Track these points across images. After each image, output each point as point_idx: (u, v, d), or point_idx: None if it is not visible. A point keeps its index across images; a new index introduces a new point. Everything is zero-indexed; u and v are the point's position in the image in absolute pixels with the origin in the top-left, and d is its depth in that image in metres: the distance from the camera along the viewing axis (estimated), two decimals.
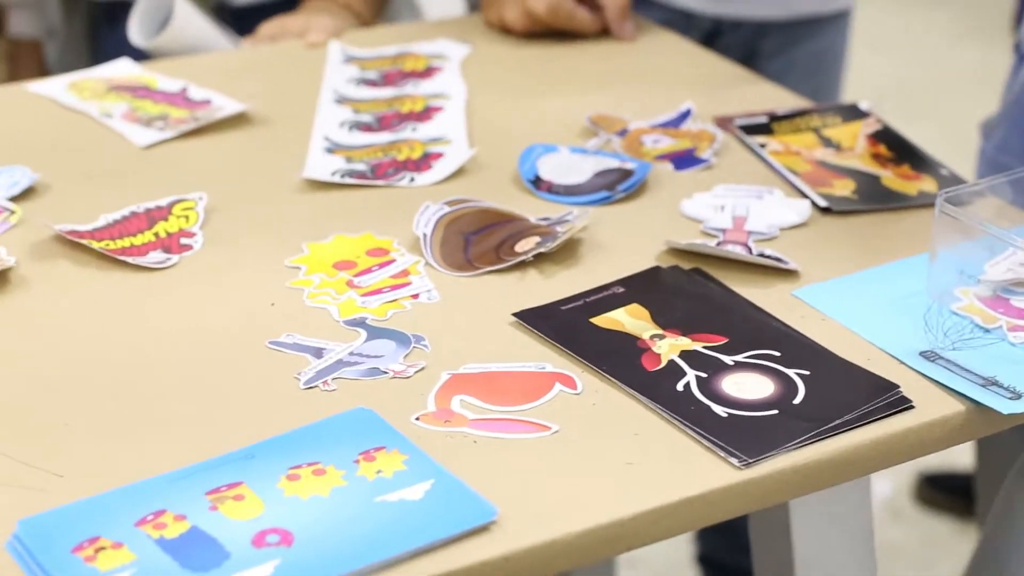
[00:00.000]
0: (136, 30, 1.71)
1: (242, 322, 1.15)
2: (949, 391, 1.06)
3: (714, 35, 1.89)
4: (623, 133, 1.45)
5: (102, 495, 0.95)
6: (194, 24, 1.71)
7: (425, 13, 2.14)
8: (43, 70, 2.12)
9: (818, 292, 1.17)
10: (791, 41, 1.90)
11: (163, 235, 1.28)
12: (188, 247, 1.26)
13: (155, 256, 1.24)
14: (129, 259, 1.23)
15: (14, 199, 1.35)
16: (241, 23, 2.02)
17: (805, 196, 1.33)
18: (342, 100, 1.54)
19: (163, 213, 1.31)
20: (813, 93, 1.86)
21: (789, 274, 1.20)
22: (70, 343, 1.12)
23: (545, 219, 1.28)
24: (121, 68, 1.64)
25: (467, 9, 2.00)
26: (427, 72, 1.61)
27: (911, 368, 1.08)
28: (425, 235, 1.25)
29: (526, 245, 1.23)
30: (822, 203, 1.31)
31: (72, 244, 1.25)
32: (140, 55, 1.73)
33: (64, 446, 1.00)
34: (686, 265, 1.21)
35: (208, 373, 1.08)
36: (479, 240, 1.25)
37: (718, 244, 1.24)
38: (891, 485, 2.58)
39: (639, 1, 1.84)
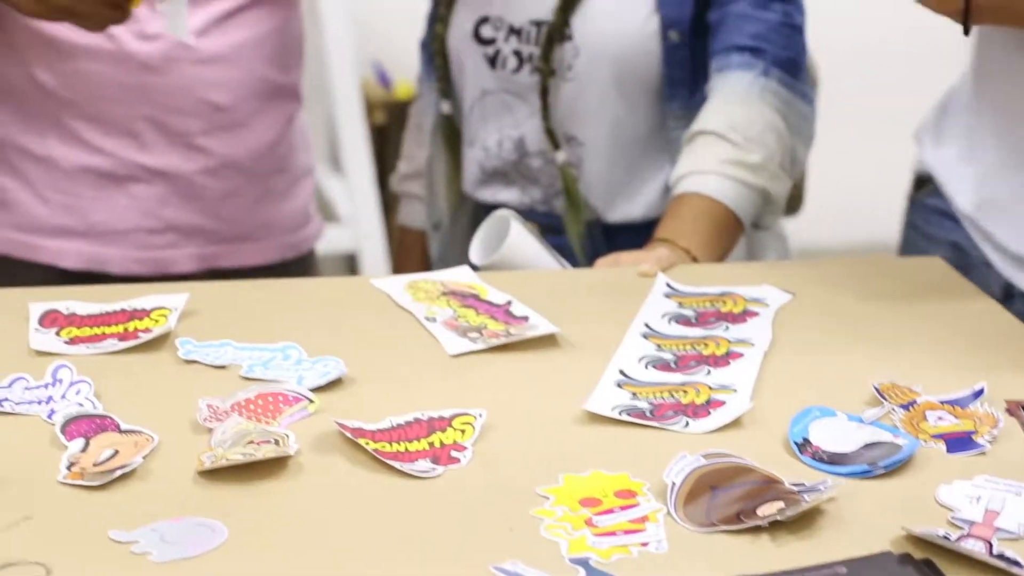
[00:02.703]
0: (476, 249, 1.83)
1: (478, 542, 1.21)
2: None
3: None
4: (909, 406, 1.45)
5: None
6: (527, 248, 1.81)
7: (792, 252, 2.19)
8: (426, 261, 2.27)
9: None
10: None
11: (437, 445, 1.36)
12: (456, 460, 1.34)
13: (422, 465, 1.33)
14: (397, 464, 1.32)
15: (319, 389, 1.46)
16: (612, 239, 2.12)
17: None
18: (649, 335, 1.60)
19: (443, 424, 1.39)
20: None
21: None
22: (317, 534, 1.21)
23: (799, 484, 1.30)
24: (459, 273, 1.75)
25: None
26: (742, 316, 1.66)
27: None
28: (674, 484, 1.29)
29: (768, 510, 1.25)
30: None
31: (352, 441, 1.35)
32: None
33: None
34: (920, 554, 1.21)
35: None
36: (725, 496, 1.28)
37: (960, 537, 1.23)
38: None
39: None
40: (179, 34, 1.88)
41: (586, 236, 2.12)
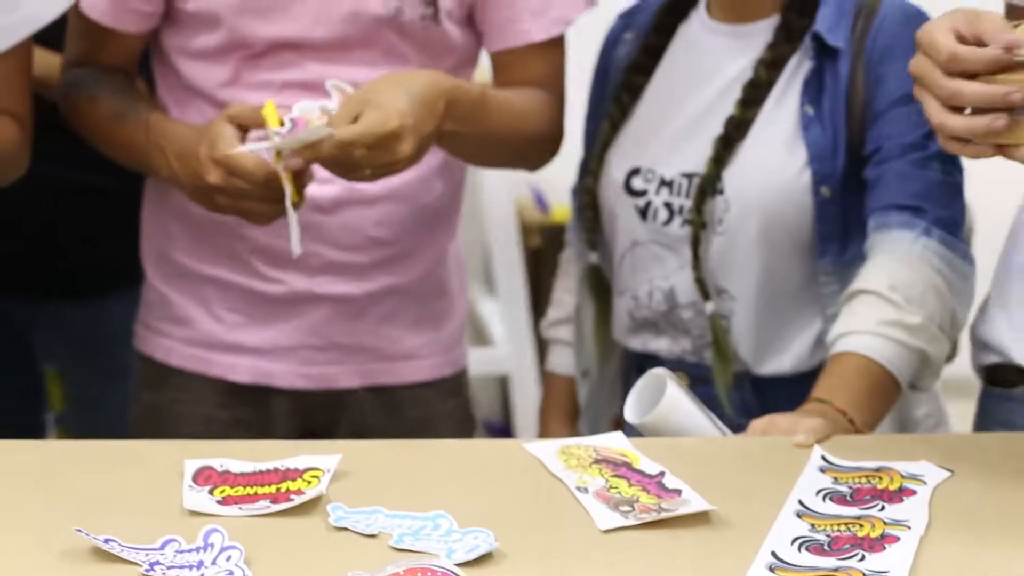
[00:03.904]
0: (631, 407, 1.82)
1: None
2: None
3: None
4: None
5: None
6: (682, 409, 1.80)
7: (952, 424, 2.15)
8: (574, 408, 2.28)
9: None
10: None
11: None
12: None
13: None
14: None
15: (467, 564, 1.45)
16: (761, 392, 2.11)
17: None
18: (803, 513, 1.57)
19: None
20: None
21: None
22: None
23: None
24: (612, 439, 1.74)
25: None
26: (898, 494, 1.62)
27: None
28: None
29: None
30: None
31: None
32: None
33: None
34: None
35: None
36: None
37: None
38: None
39: None
40: (294, 247, 1.95)
41: (734, 388, 2.11)
